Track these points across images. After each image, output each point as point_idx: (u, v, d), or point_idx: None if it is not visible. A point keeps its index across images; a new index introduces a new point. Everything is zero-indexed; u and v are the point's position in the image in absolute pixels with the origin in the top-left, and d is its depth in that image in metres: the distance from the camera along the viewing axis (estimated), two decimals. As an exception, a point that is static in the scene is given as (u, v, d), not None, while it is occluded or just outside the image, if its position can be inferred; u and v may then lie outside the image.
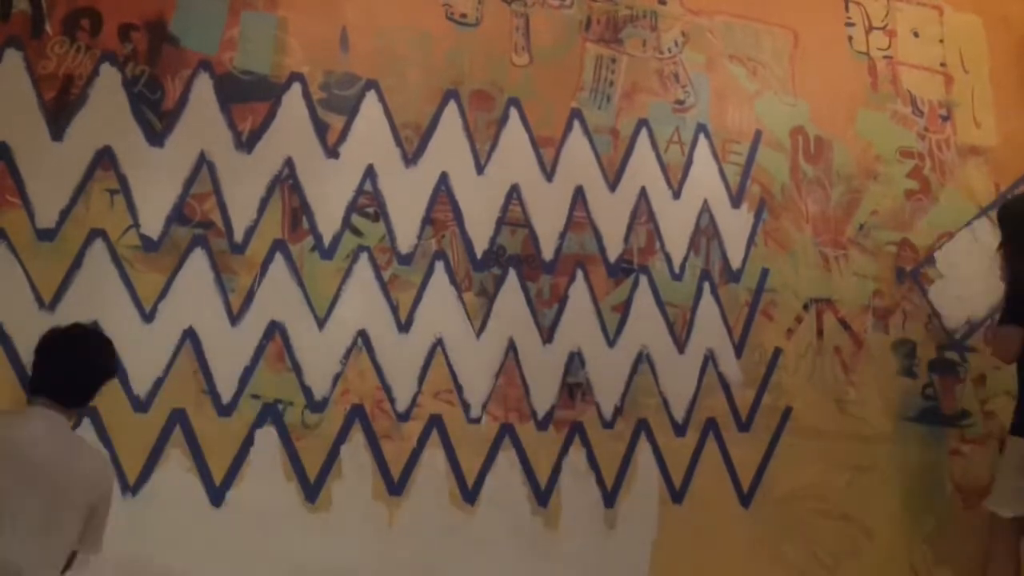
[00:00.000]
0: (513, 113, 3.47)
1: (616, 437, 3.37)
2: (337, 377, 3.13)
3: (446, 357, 3.24)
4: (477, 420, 3.24)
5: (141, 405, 2.94)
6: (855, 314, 3.74)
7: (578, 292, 3.43)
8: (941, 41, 4.11)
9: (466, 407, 3.24)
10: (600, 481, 3.33)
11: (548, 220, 3.44)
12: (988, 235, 3.93)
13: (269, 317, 3.09)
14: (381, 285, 3.23)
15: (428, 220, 3.31)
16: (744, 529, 3.44)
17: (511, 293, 3.36)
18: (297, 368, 3.10)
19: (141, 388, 2.94)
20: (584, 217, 3.49)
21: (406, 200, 3.30)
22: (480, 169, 3.41)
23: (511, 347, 3.32)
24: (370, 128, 3.31)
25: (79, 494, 2.42)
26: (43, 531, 2.34)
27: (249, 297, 3.09)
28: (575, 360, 3.38)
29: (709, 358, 3.53)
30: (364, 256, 3.23)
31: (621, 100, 3.62)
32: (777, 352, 3.61)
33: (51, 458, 2.38)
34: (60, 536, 2.38)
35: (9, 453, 2.35)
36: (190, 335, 3.01)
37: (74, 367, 2.50)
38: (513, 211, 3.41)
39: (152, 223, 3.04)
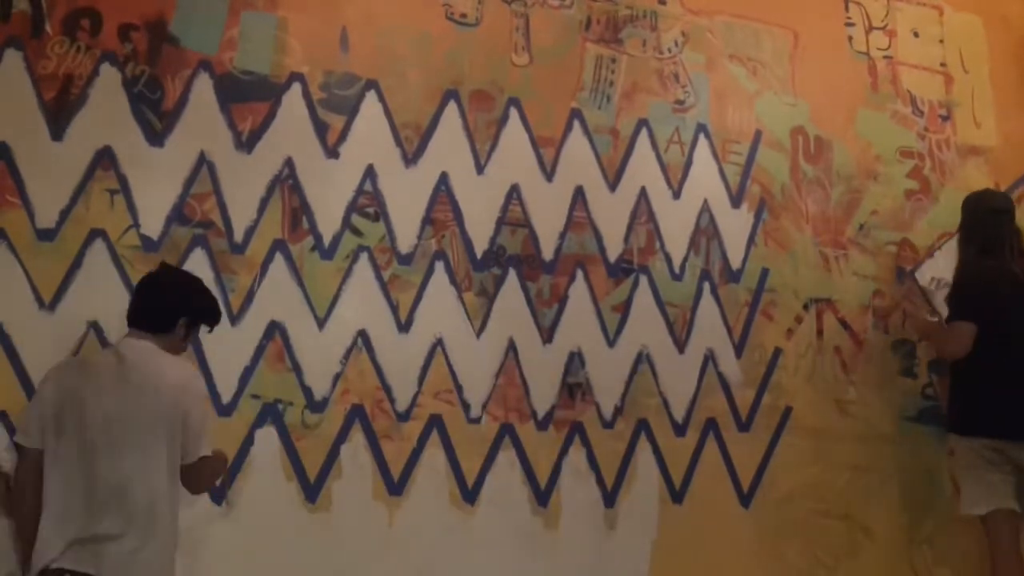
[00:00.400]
0: (513, 113, 3.47)
1: (616, 437, 3.37)
2: (337, 377, 3.13)
3: (446, 357, 3.24)
4: (477, 420, 3.24)
5: (141, 405, 2.94)
6: (855, 314, 3.74)
7: (578, 292, 3.43)
8: (941, 41, 4.12)
9: (466, 407, 3.24)
10: (600, 481, 3.33)
11: (548, 220, 3.44)
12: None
13: (269, 317, 3.09)
14: (381, 285, 3.23)
15: (428, 220, 3.31)
16: (744, 529, 3.44)
17: (511, 293, 3.36)
18: (297, 368, 3.10)
19: (141, 388, 2.94)
20: (584, 217, 3.49)
21: (406, 200, 3.30)
22: (480, 169, 3.41)
23: (511, 347, 3.32)
24: (370, 128, 3.31)
25: (170, 401, 2.54)
26: (141, 446, 2.49)
27: (249, 297, 3.09)
28: (575, 360, 3.38)
29: (709, 358, 3.53)
30: (364, 256, 3.23)
31: (621, 100, 3.62)
32: (777, 352, 3.61)
33: (136, 374, 2.53)
34: (161, 447, 2.52)
35: (93, 388, 2.51)
36: (190, 335, 3.01)
37: (145, 292, 2.69)
38: (513, 211, 3.41)
39: (152, 223, 3.04)
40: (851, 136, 3.89)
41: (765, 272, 3.65)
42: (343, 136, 3.28)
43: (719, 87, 3.76)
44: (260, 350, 3.07)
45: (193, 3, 3.18)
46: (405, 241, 3.28)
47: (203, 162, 3.11)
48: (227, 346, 3.03)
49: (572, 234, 3.46)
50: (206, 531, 2.91)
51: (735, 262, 3.63)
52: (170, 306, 2.67)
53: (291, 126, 3.22)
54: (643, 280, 3.51)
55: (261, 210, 3.15)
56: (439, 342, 3.24)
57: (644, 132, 3.62)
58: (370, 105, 3.32)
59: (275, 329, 3.09)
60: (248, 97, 3.20)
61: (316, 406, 3.09)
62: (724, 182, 3.68)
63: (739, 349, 3.57)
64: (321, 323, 3.14)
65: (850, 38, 3.99)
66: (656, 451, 3.40)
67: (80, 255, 2.95)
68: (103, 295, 2.95)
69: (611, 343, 3.43)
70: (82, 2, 3.09)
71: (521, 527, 3.22)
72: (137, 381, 2.53)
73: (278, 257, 3.14)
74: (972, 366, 3.31)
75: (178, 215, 3.06)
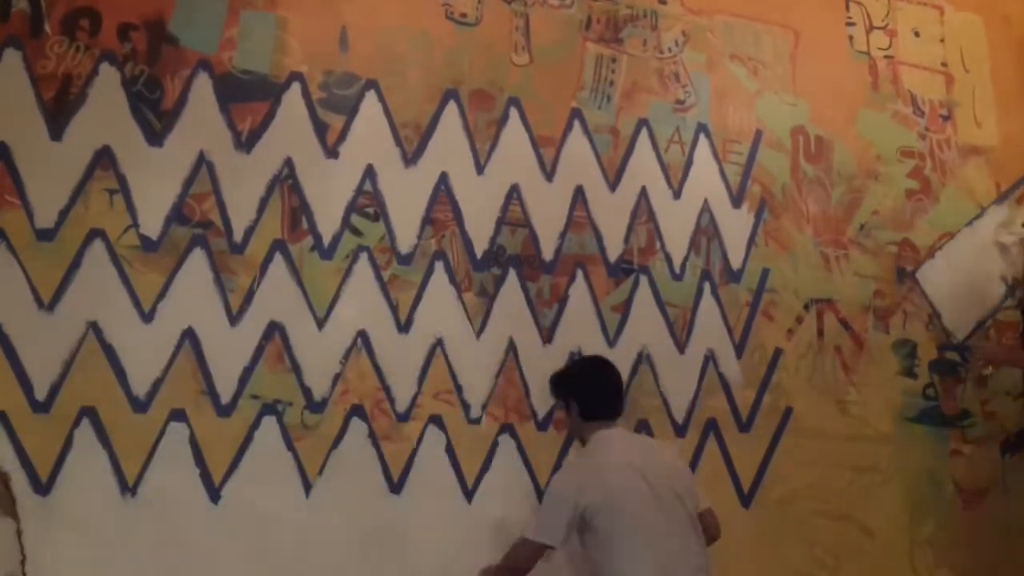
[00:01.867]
0: (513, 113, 3.47)
1: (616, 437, 3.36)
2: (337, 377, 3.12)
3: (446, 357, 3.23)
4: (477, 420, 3.23)
5: (141, 405, 2.93)
6: (855, 314, 3.73)
7: (578, 292, 3.42)
8: (942, 41, 4.11)
9: (466, 407, 3.23)
10: (600, 481, 3.32)
11: (548, 220, 3.44)
12: (989, 235, 3.93)
13: (268, 317, 3.09)
14: (381, 285, 3.22)
15: (428, 220, 3.31)
16: (744, 529, 3.43)
17: (511, 293, 3.35)
18: (297, 368, 3.09)
19: (140, 388, 2.94)
20: (584, 217, 3.49)
21: (406, 200, 3.30)
22: (480, 169, 3.40)
23: (511, 347, 3.31)
24: (370, 128, 3.30)
25: (684, 485, 2.78)
26: (693, 530, 2.72)
27: (248, 297, 3.08)
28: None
29: (709, 358, 3.53)
30: (364, 256, 3.22)
31: (621, 100, 3.61)
32: (777, 352, 3.61)
33: (653, 465, 2.75)
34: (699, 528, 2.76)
35: (637, 479, 2.69)
36: (189, 335, 3.00)
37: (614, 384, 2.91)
38: (513, 211, 3.41)
39: (151, 223, 3.04)
40: (852, 136, 3.88)
41: (766, 272, 3.65)
42: (343, 136, 3.27)
43: (719, 87, 3.76)
44: (260, 350, 3.06)
45: (192, 2, 3.18)
46: (405, 241, 3.28)
47: (202, 162, 3.11)
48: (226, 346, 3.03)
49: (572, 234, 3.46)
50: (205, 531, 2.91)
51: (735, 262, 3.63)
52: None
53: (291, 126, 3.22)
54: (643, 280, 3.50)
55: (260, 210, 3.14)
56: (439, 342, 3.23)
57: (644, 132, 3.62)
58: (370, 105, 3.32)
59: (275, 329, 3.09)
60: (248, 97, 3.19)
61: (316, 406, 3.08)
62: (724, 182, 3.68)
63: (739, 349, 3.57)
64: (321, 323, 3.14)
65: (851, 38, 3.99)
66: (656, 451, 3.39)
67: (79, 255, 2.95)
68: (102, 295, 2.95)
69: (611, 343, 3.42)
70: (81, 2, 3.09)
71: (521, 527, 3.21)
72: (658, 472, 2.73)
73: (277, 257, 3.14)
74: None
75: (177, 215, 3.06)
